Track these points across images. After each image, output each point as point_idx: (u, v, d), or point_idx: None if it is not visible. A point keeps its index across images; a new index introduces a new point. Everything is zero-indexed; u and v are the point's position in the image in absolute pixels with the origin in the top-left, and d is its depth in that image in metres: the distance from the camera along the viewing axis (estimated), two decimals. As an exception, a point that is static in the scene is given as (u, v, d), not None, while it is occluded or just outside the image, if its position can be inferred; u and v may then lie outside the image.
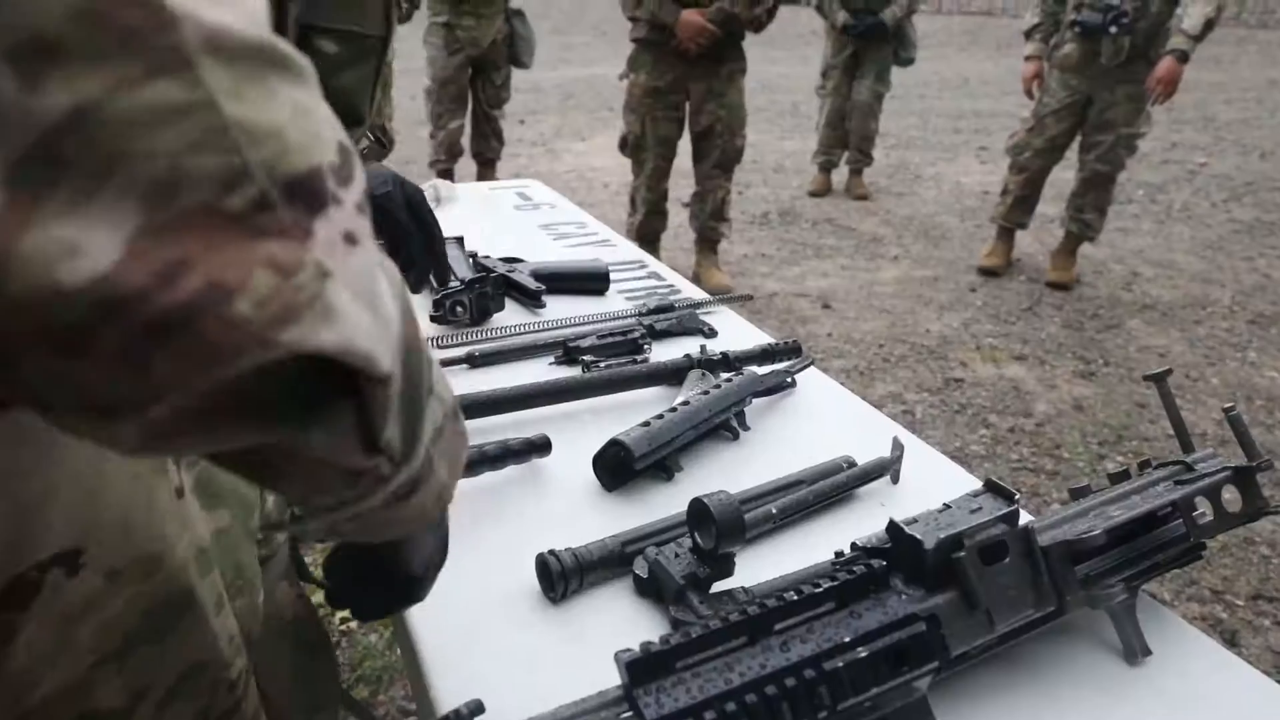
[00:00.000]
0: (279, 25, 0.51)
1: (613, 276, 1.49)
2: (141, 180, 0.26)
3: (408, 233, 1.01)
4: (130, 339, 0.26)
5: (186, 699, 0.56)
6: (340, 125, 0.33)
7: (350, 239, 0.31)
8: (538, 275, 1.42)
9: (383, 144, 1.01)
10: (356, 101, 0.71)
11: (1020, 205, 4.08)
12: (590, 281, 1.47)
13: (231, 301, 0.27)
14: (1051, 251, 4.21)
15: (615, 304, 1.39)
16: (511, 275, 1.41)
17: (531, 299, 1.38)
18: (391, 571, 0.58)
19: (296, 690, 0.93)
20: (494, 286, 1.32)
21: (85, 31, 0.25)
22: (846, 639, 0.56)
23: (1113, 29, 3.51)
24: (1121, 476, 0.78)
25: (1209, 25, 3.50)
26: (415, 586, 0.60)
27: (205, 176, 0.26)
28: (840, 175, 5.78)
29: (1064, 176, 4.11)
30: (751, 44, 3.72)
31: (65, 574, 0.48)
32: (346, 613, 2.10)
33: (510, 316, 1.34)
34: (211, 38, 0.27)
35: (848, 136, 5.52)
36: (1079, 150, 3.91)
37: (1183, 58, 3.51)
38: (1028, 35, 3.98)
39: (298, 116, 0.29)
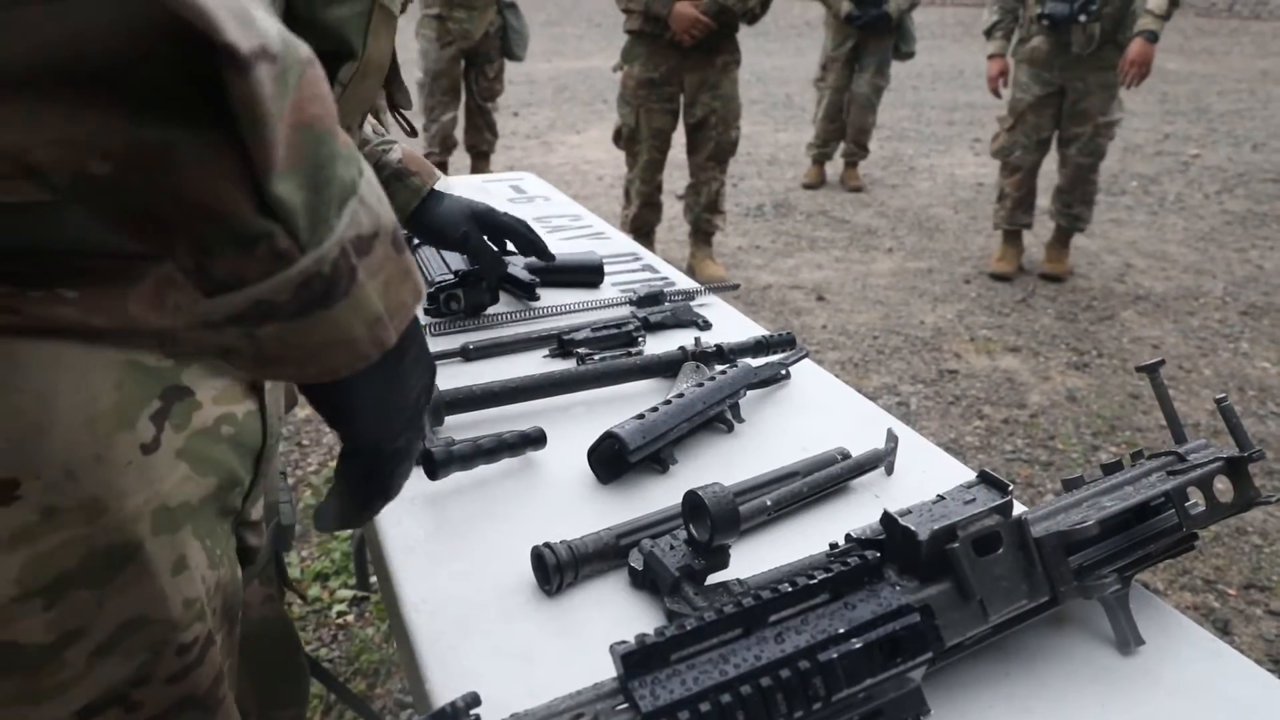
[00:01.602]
0: None
1: (607, 269, 1.49)
2: None
3: (483, 252, 1.29)
4: None
5: (126, 653, 0.56)
6: None
7: None
8: (532, 268, 1.42)
9: (413, 130, 1.04)
10: (348, 35, 0.70)
11: (1020, 206, 4.06)
12: (584, 274, 1.47)
13: None
14: (1045, 244, 4.22)
15: (609, 297, 1.39)
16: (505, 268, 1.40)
17: (525, 292, 1.38)
18: (347, 452, 0.54)
19: (257, 687, 0.93)
20: (488, 279, 1.32)
21: None
22: (841, 630, 0.56)
23: (1082, 17, 3.50)
24: (1114, 467, 0.78)
25: (1173, 2, 3.49)
26: (374, 472, 0.55)
27: None
28: (834, 167, 5.78)
29: (1048, 168, 4.11)
30: (746, 36, 3.71)
31: None
32: (344, 606, 2.11)
33: (504, 309, 1.34)
34: None
35: (844, 129, 5.51)
36: (1058, 145, 3.90)
37: (1152, 38, 3.50)
38: (988, 34, 3.97)
39: None
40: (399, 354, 0.49)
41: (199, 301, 0.41)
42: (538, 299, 1.38)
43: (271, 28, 0.36)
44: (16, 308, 0.49)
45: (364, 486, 0.56)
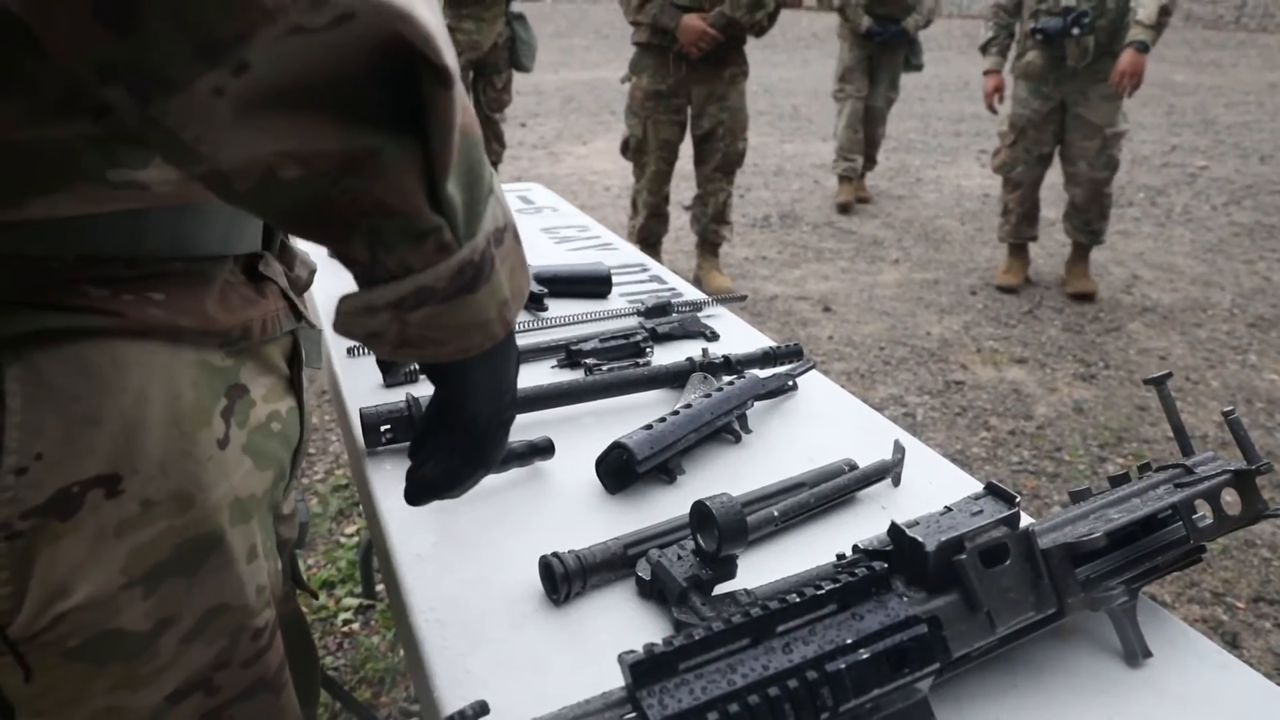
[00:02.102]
0: None
1: (614, 280, 1.50)
2: None
3: None
4: None
5: (209, 638, 0.59)
6: None
7: None
8: (540, 279, 1.43)
9: None
10: None
11: (1025, 220, 4.06)
12: (592, 285, 1.47)
13: None
14: (1065, 264, 4.17)
15: (617, 307, 1.39)
16: (514, 278, 1.41)
17: (534, 303, 1.39)
18: (456, 425, 0.57)
19: None
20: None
21: None
22: (848, 640, 0.56)
23: (1075, 30, 3.50)
24: (1122, 479, 0.78)
25: (1164, 12, 3.48)
26: (482, 443, 0.58)
27: None
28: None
29: (1051, 179, 4.10)
30: (753, 48, 3.73)
31: (104, 495, 0.52)
32: (350, 614, 2.10)
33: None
34: None
35: (866, 138, 5.50)
36: (1063, 161, 3.86)
37: (1143, 48, 3.48)
38: (984, 50, 3.98)
39: None
40: (510, 335, 0.53)
41: (363, 290, 0.45)
42: (546, 309, 1.39)
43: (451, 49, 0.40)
44: (118, 310, 0.52)
45: (469, 459, 0.59)
